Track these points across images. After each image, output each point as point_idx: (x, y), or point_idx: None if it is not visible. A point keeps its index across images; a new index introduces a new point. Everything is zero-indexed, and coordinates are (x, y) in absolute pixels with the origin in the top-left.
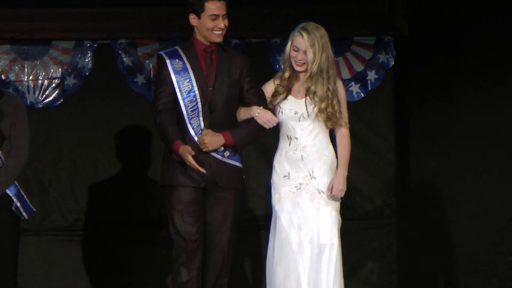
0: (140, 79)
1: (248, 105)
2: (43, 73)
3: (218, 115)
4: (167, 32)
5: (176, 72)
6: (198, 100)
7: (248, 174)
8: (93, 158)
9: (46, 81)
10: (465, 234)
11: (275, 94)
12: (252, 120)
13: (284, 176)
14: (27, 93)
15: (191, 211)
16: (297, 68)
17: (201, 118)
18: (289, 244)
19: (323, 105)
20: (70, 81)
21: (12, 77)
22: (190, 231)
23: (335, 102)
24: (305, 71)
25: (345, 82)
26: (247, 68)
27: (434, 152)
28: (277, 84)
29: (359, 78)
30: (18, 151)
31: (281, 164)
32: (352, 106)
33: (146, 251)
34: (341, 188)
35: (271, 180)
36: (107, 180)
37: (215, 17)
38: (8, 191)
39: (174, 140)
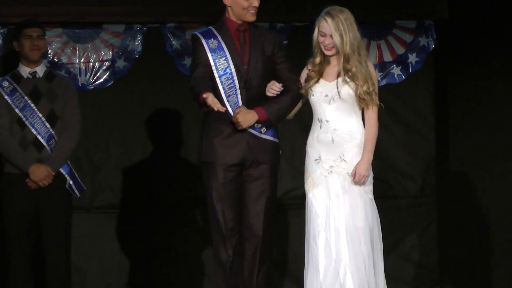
0: (188, 61)
1: (279, 79)
2: (94, 56)
3: (254, 92)
4: (214, 16)
5: (212, 51)
6: (235, 77)
7: (292, 154)
8: (141, 138)
9: (97, 64)
10: (503, 213)
11: (307, 79)
12: (285, 94)
13: (316, 160)
14: (78, 75)
15: (228, 190)
16: (327, 53)
17: (238, 96)
18: (322, 231)
19: (364, 86)
20: (121, 63)
21: (64, 59)
22: (227, 211)
23: (370, 82)
24: (335, 54)
25: (387, 65)
26: (278, 43)
27: (473, 132)
28: (310, 70)
29: (401, 60)
30: (70, 131)
31: (313, 147)
32: (394, 88)
33: (190, 229)
34: (363, 174)
35: (305, 163)
36: (155, 160)
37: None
38: (61, 170)
39: (202, 92)
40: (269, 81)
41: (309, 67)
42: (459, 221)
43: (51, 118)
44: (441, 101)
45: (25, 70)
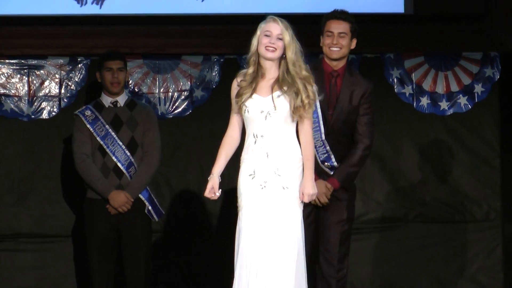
0: None
1: (357, 129)
2: (174, 86)
3: (335, 137)
4: None
5: None
6: (320, 122)
7: (362, 180)
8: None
9: (176, 93)
10: None
11: (239, 94)
12: (355, 153)
13: (250, 175)
14: (158, 104)
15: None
16: (268, 55)
17: (324, 141)
18: (249, 249)
19: (303, 95)
20: (199, 93)
21: (144, 89)
22: None
23: (307, 94)
24: (275, 58)
25: (454, 95)
26: (368, 94)
27: None
28: (240, 80)
29: (467, 90)
30: (150, 158)
31: (247, 163)
32: (460, 116)
33: None
34: (311, 193)
35: (238, 179)
36: (231, 187)
37: (330, 33)
38: (140, 195)
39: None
40: (351, 128)
41: (240, 78)
42: None
43: (131, 146)
44: (506, 129)
45: (107, 100)
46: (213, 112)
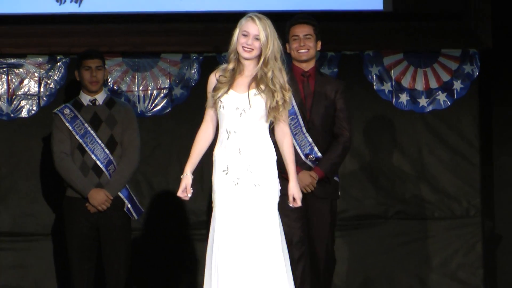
0: None
1: (336, 123)
2: (153, 84)
3: (316, 132)
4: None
5: None
6: (299, 118)
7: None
8: (198, 164)
9: (155, 91)
10: None
11: (216, 88)
12: (336, 146)
13: (223, 171)
14: (137, 102)
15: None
16: (245, 55)
17: (306, 134)
18: (224, 245)
19: (279, 95)
20: (178, 91)
21: (124, 87)
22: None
23: (284, 93)
24: (252, 58)
25: (433, 91)
26: (341, 91)
27: None
28: (219, 76)
29: (446, 87)
30: (129, 157)
31: (220, 158)
32: (440, 113)
33: None
34: (299, 195)
35: (212, 175)
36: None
37: (296, 37)
38: (120, 194)
39: None
40: (331, 122)
41: (219, 73)
42: (503, 240)
43: (111, 144)
44: (485, 126)
45: (85, 98)
46: (193, 110)
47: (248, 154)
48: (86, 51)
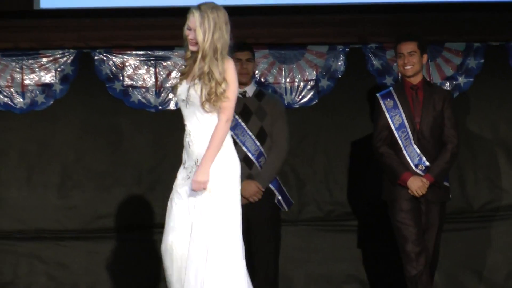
0: (388, 80)
1: (444, 131)
2: (299, 76)
3: (426, 142)
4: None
5: (388, 110)
6: (408, 130)
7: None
8: (345, 154)
9: (302, 83)
10: None
11: (179, 77)
12: (444, 153)
13: (183, 164)
14: (284, 94)
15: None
16: (191, 48)
17: (414, 146)
18: (170, 250)
19: (211, 85)
20: (324, 82)
21: (270, 79)
22: (412, 235)
23: (219, 85)
24: (197, 51)
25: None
26: (449, 99)
27: None
28: (183, 65)
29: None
30: (279, 148)
31: (183, 152)
32: None
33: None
34: (198, 180)
35: None
36: (361, 174)
37: (401, 54)
38: (270, 185)
39: (403, 172)
40: (440, 132)
41: (183, 66)
42: None
43: (261, 136)
44: None
45: None
46: (339, 101)
47: (195, 147)
48: (238, 43)
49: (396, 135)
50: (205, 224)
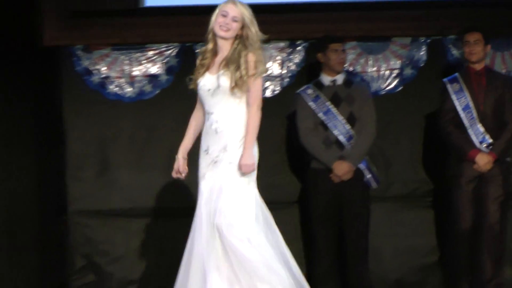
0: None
1: (505, 113)
2: (385, 65)
3: (489, 121)
4: (489, 29)
5: (455, 93)
6: (473, 111)
7: None
8: (427, 136)
9: (387, 72)
10: None
11: (195, 71)
12: (507, 130)
13: (205, 151)
14: (371, 82)
15: (471, 198)
16: (221, 33)
17: (479, 125)
18: (200, 224)
19: (241, 72)
20: (408, 71)
21: (358, 68)
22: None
23: (247, 70)
24: (228, 38)
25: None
26: (509, 84)
27: None
28: (201, 59)
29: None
30: (367, 131)
31: (203, 139)
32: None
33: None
34: (246, 163)
35: None
36: (442, 154)
37: (467, 42)
38: (360, 165)
39: (471, 149)
40: (501, 113)
41: (200, 58)
42: None
43: (351, 120)
44: None
45: (326, 79)
46: (422, 88)
47: (223, 134)
48: (332, 36)
49: (462, 115)
50: (229, 201)
